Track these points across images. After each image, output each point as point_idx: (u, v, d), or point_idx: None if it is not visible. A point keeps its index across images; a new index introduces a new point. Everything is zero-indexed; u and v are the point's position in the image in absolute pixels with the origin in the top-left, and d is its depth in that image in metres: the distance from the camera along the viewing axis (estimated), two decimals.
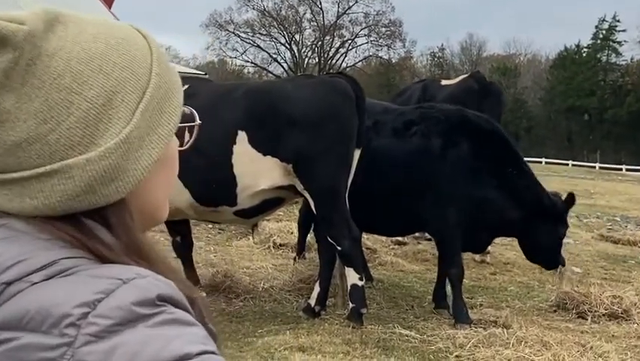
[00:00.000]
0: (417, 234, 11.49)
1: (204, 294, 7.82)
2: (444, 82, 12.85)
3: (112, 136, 1.12)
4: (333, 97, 7.30)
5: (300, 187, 7.20)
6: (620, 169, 58.52)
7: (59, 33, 1.13)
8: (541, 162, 58.95)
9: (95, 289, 1.00)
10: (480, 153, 7.73)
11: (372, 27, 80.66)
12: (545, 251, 8.15)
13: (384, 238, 11.62)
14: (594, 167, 60.53)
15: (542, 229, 7.96)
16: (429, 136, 7.83)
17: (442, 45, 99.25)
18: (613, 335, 7.35)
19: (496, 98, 11.85)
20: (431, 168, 7.72)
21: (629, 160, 73.08)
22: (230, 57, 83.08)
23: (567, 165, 59.10)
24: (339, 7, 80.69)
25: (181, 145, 1.33)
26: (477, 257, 10.74)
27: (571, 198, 8.22)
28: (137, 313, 0.99)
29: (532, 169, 8.23)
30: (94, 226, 1.14)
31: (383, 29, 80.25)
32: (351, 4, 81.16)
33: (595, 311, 8.04)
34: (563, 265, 8.60)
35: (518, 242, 8.37)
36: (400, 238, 11.76)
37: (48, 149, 1.09)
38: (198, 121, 1.35)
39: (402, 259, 10.84)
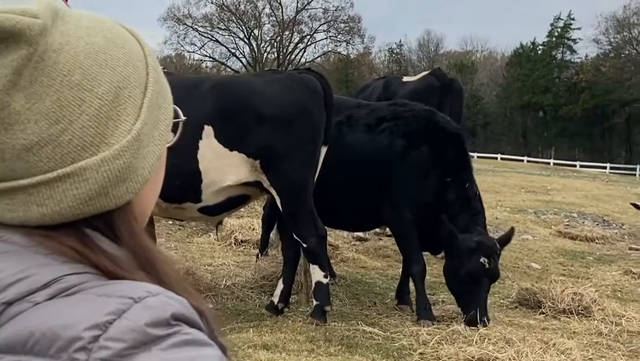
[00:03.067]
0: (378, 230, 11.52)
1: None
2: (405, 78, 12.92)
3: (123, 134, 1.07)
4: (302, 93, 7.27)
5: (266, 184, 7.15)
6: (575, 165, 59.42)
7: (61, 27, 1.06)
8: (496, 158, 59.62)
9: (106, 310, 0.93)
10: (440, 158, 7.76)
11: (331, 23, 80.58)
12: (447, 282, 7.81)
13: (345, 234, 11.63)
14: (549, 163, 61.43)
15: (447, 258, 7.73)
16: (395, 135, 7.85)
17: (400, 41, 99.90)
18: (574, 332, 7.44)
19: (458, 94, 11.93)
20: (393, 167, 7.75)
21: (582, 157, 74.26)
22: (188, 51, 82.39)
23: (522, 161, 59.91)
24: (298, 2, 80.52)
25: None
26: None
27: (505, 239, 7.87)
28: (151, 335, 0.93)
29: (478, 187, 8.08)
30: (96, 237, 1.07)
31: (342, 25, 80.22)
32: None
33: (556, 308, 8.11)
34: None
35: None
36: (361, 234, 11.79)
37: (60, 151, 1.02)
38: (182, 117, 1.28)
39: (363, 255, 10.86)
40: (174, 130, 1.25)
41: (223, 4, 79.22)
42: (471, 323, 7.19)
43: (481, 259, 7.30)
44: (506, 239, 7.85)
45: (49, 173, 1.02)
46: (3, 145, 1.01)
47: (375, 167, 7.77)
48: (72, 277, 1.00)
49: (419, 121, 7.97)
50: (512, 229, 8.10)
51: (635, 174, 55.42)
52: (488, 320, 7.34)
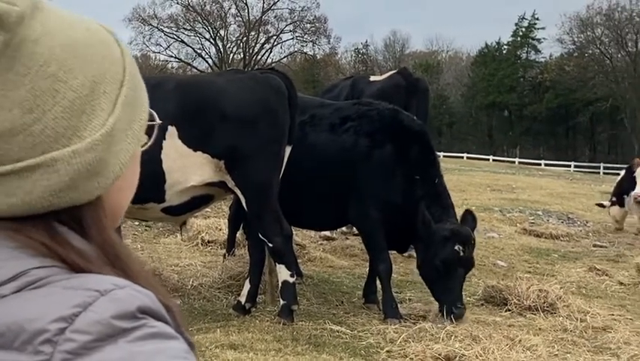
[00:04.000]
0: (344, 229, 11.53)
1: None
2: (372, 78, 12.93)
3: (96, 128, 1.05)
4: (267, 93, 7.24)
5: (231, 184, 7.12)
6: (539, 164, 59.98)
7: (40, 19, 1.04)
8: (462, 158, 59.98)
9: (72, 303, 0.92)
10: (404, 157, 7.78)
11: (298, 23, 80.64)
12: (423, 276, 7.80)
13: (312, 234, 11.63)
14: (514, 162, 61.97)
15: (422, 250, 7.70)
16: (360, 134, 7.86)
17: (366, 42, 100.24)
18: (540, 328, 7.48)
19: (424, 94, 11.96)
20: (358, 166, 7.76)
21: (547, 155, 75.08)
22: (154, 52, 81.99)
23: (488, 160, 60.32)
24: (264, 2, 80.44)
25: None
26: None
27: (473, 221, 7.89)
28: (117, 327, 0.92)
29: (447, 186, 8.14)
30: (65, 231, 1.05)
31: (308, 25, 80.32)
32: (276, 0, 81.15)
33: (522, 305, 8.17)
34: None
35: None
36: (327, 234, 11.79)
37: (31, 140, 1.00)
38: (158, 120, 1.27)
39: (330, 254, 10.86)
40: (149, 133, 1.23)
41: (189, 4, 78.94)
42: (451, 313, 7.25)
43: (456, 247, 7.34)
44: (473, 223, 7.87)
45: (20, 162, 1.00)
46: None
47: (339, 166, 7.77)
48: (39, 270, 0.98)
49: (383, 120, 7.98)
50: (469, 211, 8.11)
51: (598, 172, 55.99)
52: (464, 307, 7.45)
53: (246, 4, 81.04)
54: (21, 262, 0.98)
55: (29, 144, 1.00)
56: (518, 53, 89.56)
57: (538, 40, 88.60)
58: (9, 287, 0.95)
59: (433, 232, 7.38)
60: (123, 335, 0.92)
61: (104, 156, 1.06)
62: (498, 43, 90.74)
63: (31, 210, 1.03)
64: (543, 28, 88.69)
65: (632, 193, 13.94)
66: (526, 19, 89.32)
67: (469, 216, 7.87)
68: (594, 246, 13.86)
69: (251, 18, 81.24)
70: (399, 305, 7.85)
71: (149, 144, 1.23)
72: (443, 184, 7.92)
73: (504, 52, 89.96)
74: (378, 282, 8.14)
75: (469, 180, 24.17)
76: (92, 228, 1.08)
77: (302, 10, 79.94)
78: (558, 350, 6.76)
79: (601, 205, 16.51)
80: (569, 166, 59.87)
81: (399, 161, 7.74)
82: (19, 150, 1.00)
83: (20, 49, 1.01)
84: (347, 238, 11.97)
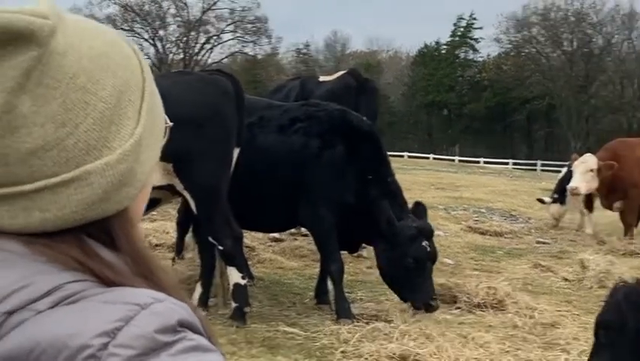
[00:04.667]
0: (293, 230, 11.51)
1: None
2: (322, 78, 12.92)
3: (125, 138, 1.06)
4: (215, 95, 7.19)
5: (179, 187, 7.04)
6: (478, 162, 60.72)
7: (62, 29, 1.03)
8: (403, 156, 60.40)
9: (113, 317, 0.92)
10: (355, 157, 7.79)
11: (238, 23, 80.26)
12: (390, 276, 7.79)
13: (260, 235, 11.57)
14: (454, 160, 62.61)
15: (387, 250, 7.66)
16: (309, 135, 7.85)
17: (307, 42, 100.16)
18: (490, 325, 7.56)
19: (373, 94, 12.03)
20: (308, 167, 7.74)
21: (485, 153, 76.00)
22: None
23: (428, 158, 60.85)
24: (204, 2, 79.82)
25: None
26: None
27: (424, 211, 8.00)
28: (159, 341, 0.93)
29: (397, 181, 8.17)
30: (94, 244, 1.05)
31: (249, 25, 79.98)
32: None
33: (471, 302, 8.26)
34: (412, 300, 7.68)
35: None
36: (276, 235, 11.75)
37: (65, 155, 1.00)
38: (169, 123, 1.28)
39: (280, 256, 10.82)
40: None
41: (127, 4, 77.86)
42: (429, 308, 7.36)
43: (424, 243, 7.43)
44: (424, 213, 7.98)
45: (54, 177, 1.00)
46: (8, 149, 0.98)
47: (289, 167, 7.75)
48: (73, 284, 0.98)
49: (333, 121, 7.99)
50: (418, 202, 8.23)
51: (535, 169, 57.02)
52: (438, 301, 7.57)
53: (185, 4, 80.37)
54: (54, 276, 0.98)
55: (63, 158, 1.00)
56: (457, 52, 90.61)
57: (476, 40, 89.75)
58: (45, 302, 0.95)
59: (399, 230, 7.41)
60: (165, 348, 0.93)
61: (133, 166, 1.07)
62: (437, 43, 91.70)
63: (64, 224, 1.02)
64: (481, 28, 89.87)
65: (568, 187, 14.22)
66: (464, 19, 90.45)
67: (421, 207, 7.98)
68: (537, 243, 14.08)
69: (191, 18, 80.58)
70: (351, 305, 7.87)
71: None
72: (396, 183, 7.98)
73: (443, 52, 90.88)
74: (329, 282, 8.15)
75: (413, 178, 24.32)
76: (121, 239, 1.08)
77: (242, 11, 79.62)
78: (509, 346, 6.84)
79: (541, 201, 16.79)
80: (507, 164, 60.76)
81: (349, 161, 7.75)
82: (53, 165, 1.00)
83: (49, 62, 1.00)
84: (296, 239, 11.95)
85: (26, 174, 1.00)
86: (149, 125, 1.11)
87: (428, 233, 7.64)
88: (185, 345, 0.95)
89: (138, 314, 0.94)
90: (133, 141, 1.06)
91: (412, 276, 7.48)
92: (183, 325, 0.97)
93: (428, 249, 7.50)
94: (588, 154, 14.57)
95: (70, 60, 1.02)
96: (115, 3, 77.38)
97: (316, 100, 9.37)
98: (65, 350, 0.89)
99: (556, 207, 16.20)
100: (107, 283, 1.01)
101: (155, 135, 1.15)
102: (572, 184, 13.94)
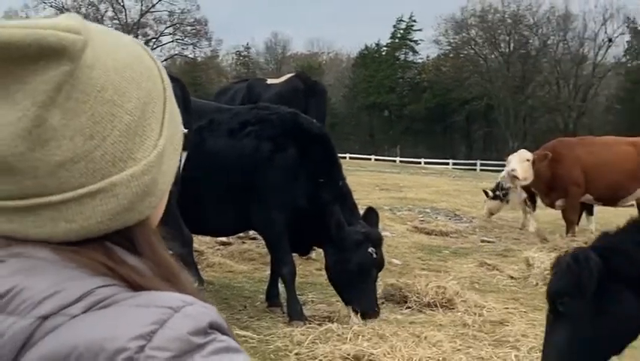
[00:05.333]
0: (241, 233, 11.47)
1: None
2: (269, 81, 12.90)
3: (148, 149, 1.08)
4: None
5: None
6: (419, 162, 61.33)
7: (91, 43, 1.05)
8: (345, 158, 60.65)
9: (147, 320, 0.94)
10: (307, 160, 7.81)
11: (177, 26, 79.81)
12: (335, 279, 7.76)
13: (208, 239, 11.49)
14: (395, 161, 63.09)
15: (334, 254, 7.63)
16: (260, 138, 7.82)
17: (248, 44, 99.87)
18: (440, 324, 7.65)
19: (322, 96, 12.06)
20: (260, 170, 7.72)
21: (426, 154, 76.80)
22: None
23: (370, 159, 61.13)
24: (142, 4, 79.19)
25: None
26: None
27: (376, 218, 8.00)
28: (193, 343, 0.95)
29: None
30: (119, 250, 1.07)
31: (188, 28, 79.63)
32: (154, 2, 79.96)
33: (421, 302, 8.33)
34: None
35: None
36: (224, 239, 11.68)
37: (92, 167, 1.02)
38: (184, 130, 1.28)
39: (229, 259, 10.77)
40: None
41: (63, 7, 76.73)
42: (366, 315, 7.30)
43: (369, 250, 7.41)
44: (376, 219, 8.00)
45: (81, 189, 1.02)
46: (38, 162, 1.00)
47: (240, 171, 7.70)
48: (104, 289, 1.00)
49: (284, 124, 7.97)
50: (371, 208, 8.23)
51: (475, 169, 57.83)
52: (379, 309, 7.53)
53: (123, 6, 79.73)
54: (85, 281, 1.00)
55: (90, 170, 1.02)
56: (397, 54, 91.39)
57: (416, 41, 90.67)
58: (78, 307, 0.96)
59: (346, 235, 7.42)
60: (198, 350, 0.95)
61: (156, 177, 1.09)
62: (377, 44, 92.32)
63: (88, 234, 1.04)
64: (420, 30, 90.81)
65: (506, 170, 14.60)
66: (403, 21, 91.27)
67: (372, 213, 7.99)
68: (482, 241, 14.29)
69: (129, 21, 79.80)
70: (303, 307, 7.88)
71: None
72: (347, 186, 8.00)
73: (383, 53, 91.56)
74: (280, 285, 8.16)
75: (357, 180, 24.36)
76: (143, 246, 1.11)
77: (182, 13, 79.29)
78: (460, 344, 6.93)
79: (486, 193, 17.03)
80: (448, 164, 61.50)
81: (301, 164, 7.74)
82: (80, 176, 1.02)
83: (79, 76, 1.01)
84: (244, 243, 11.91)
85: (54, 186, 1.01)
86: (170, 135, 1.13)
87: (375, 240, 7.60)
88: (216, 346, 0.97)
89: (172, 317, 0.96)
90: (157, 152, 1.09)
91: (355, 281, 7.46)
92: (213, 327, 1.00)
93: (374, 256, 7.48)
94: (523, 149, 14.95)
95: (98, 73, 1.03)
96: (51, 6, 76.36)
97: (266, 103, 9.35)
98: (102, 353, 0.91)
99: (494, 203, 16.62)
100: (135, 287, 1.03)
101: (174, 144, 1.17)
102: (510, 166, 14.24)
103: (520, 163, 14.16)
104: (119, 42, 1.13)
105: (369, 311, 7.35)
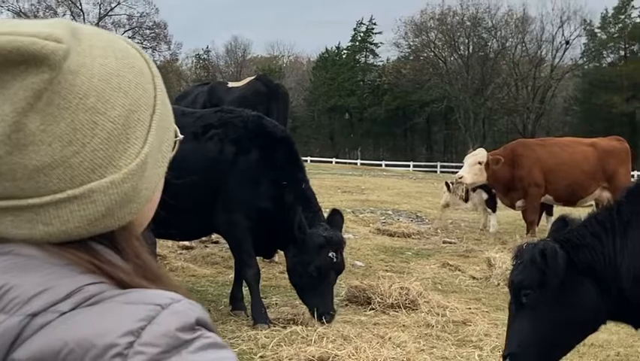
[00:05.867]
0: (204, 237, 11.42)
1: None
2: (231, 84, 12.88)
3: (131, 157, 1.08)
4: None
5: None
6: (380, 165, 61.58)
7: (77, 48, 1.05)
8: (306, 161, 60.66)
9: (136, 317, 0.96)
10: (270, 163, 7.80)
11: (136, 29, 79.19)
12: (294, 281, 7.79)
13: (170, 243, 11.44)
14: (356, 163, 63.28)
15: (295, 256, 7.64)
16: (225, 141, 7.80)
17: (207, 47, 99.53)
18: (404, 325, 7.69)
19: (284, 99, 12.06)
20: (223, 173, 7.70)
21: (387, 156, 77.23)
22: None
23: (331, 162, 61.30)
24: (100, 8, 78.52)
25: None
26: None
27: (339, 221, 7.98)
28: (181, 339, 0.97)
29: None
30: (103, 250, 1.08)
31: (147, 31, 79.10)
32: (113, 5, 79.35)
33: (385, 303, 8.37)
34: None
35: None
36: (186, 243, 11.63)
37: (70, 173, 1.03)
38: (180, 136, 1.29)
39: (192, 263, 10.73)
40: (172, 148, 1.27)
41: (20, 11, 75.81)
42: (322, 317, 7.28)
43: (330, 254, 7.39)
44: (340, 222, 7.97)
45: (59, 194, 1.03)
46: (15, 165, 1.00)
47: (205, 174, 7.66)
48: (92, 286, 1.01)
49: (247, 127, 7.96)
50: (336, 210, 8.22)
51: (436, 171, 58.24)
52: (335, 312, 7.51)
53: (81, 10, 78.95)
54: (74, 279, 1.01)
55: (69, 176, 1.03)
56: (357, 57, 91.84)
57: (376, 44, 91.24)
58: (67, 304, 0.98)
59: (308, 238, 7.41)
60: (185, 346, 0.97)
61: (137, 184, 1.09)
62: (338, 47, 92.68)
63: (67, 237, 1.05)
64: (380, 33, 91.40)
65: (456, 176, 14.84)
66: (364, 24, 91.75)
67: (337, 216, 7.99)
68: (444, 242, 14.39)
69: (87, 25, 79.04)
70: (267, 310, 7.88)
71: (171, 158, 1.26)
72: (310, 189, 8.00)
73: (344, 56, 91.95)
74: (244, 288, 8.14)
75: (320, 182, 24.39)
76: (127, 250, 1.12)
77: (141, 16, 78.72)
78: (424, 344, 6.99)
79: (448, 186, 17.05)
80: (409, 166, 61.85)
81: (264, 167, 7.73)
82: (59, 181, 1.02)
83: (61, 82, 1.02)
84: (206, 247, 11.88)
85: (32, 190, 1.02)
86: (156, 142, 1.13)
87: (336, 243, 7.55)
88: (203, 342, 0.99)
89: (160, 314, 0.97)
90: (139, 160, 1.09)
91: (314, 284, 7.46)
92: (200, 323, 1.01)
93: (334, 260, 7.45)
94: (480, 148, 15.13)
95: (81, 80, 1.04)
96: (8, 9, 75.32)
97: (230, 107, 9.31)
98: (93, 349, 0.92)
99: (454, 198, 16.78)
100: (123, 284, 1.05)
101: (162, 151, 1.17)
102: (459, 173, 14.51)
103: (470, 167, 14.43)
104: (112, 47, 1.12)
105: (325, 314, 7.33)
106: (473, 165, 14.53)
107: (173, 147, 1.26)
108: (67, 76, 1.02)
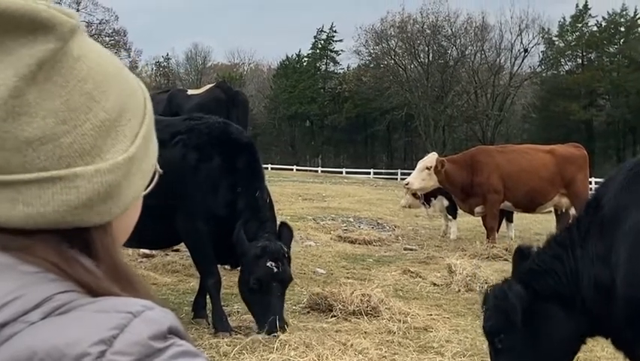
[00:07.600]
0: None
1: None
2: (190, 91, 12.85)
3: (119, 152, 1.09)
4: None
5: None
6: (341, 172, 61.69)
7: (80, 41, 1.09)
8: (267, 168, 60.57)
9: (108, 325, 0.95)
10: (231, 169, 7.76)
11: (96, 36, 78.33)
12: (241, 294, 7.67)
13: (131, 251, 11.32)
14: (317, 171, 63.34)
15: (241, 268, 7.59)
16: (188, 147, 7.76)
17: (168, 55, 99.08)
18: (365, 332, 7.68)
19: (244, 106, 12.06)
20: (186, 180, 7.65)
21: (347, 163, 77.45)
22: None
23: (292, 170, 61.26)
24: None
25: None
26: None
27: (288, 235, 7.83)
28: (153, 347, 0.96)
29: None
30: (74, 253, 1.07)
31: (107, 39, 78.22)
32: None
33: (346, 310, 8.37)
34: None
35: None
36: (146, 251, 11.52)
37: (59, 152, 1.03)
38: (160, 170, 1.30)
39: (152, 271, 10.63)
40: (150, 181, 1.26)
41: None
42: (270, 331, 7.13)
43: (268, 264, 7.26)
44: (289, 235, 7.84)
45: (44, 172, 1.02)
46: (7, 134, 1.01)
47: (169, 181, 7.56)
48: (63, 295, 1.00)
49: (212, 133, 7.92)
50: (283, 223, 8.04)
51: (396, 178, 58.44)
52: (287, 324, 7.41)
53: None
54: (43, 287, 1.00)
55: (57, 155, 1.03)
56: (318, 64, 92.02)
57: (337, 52, 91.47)
58: (36, 313, 0.96)
59: (246, 250, 7.31)
60: (157, 354, 0.96)
61: (121, 181, 1.10)
62: (298, 55, 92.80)
63: (45, 223, 1.04)
64: (341, 41, 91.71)
65: (404, 182, 15.14)
66: (324, 31, 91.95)
67: (284, 229, 7.82)
68: (405, 249, 14.48)
69: None
70: (228, 318, 7.84)
71: (149, 190, 1.25)
72: (264, 197, 7.85)
73: (304, 64, 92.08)
74: (207, 297, 8.09)
75: (281, 190, 24.46)
76: (99, 250, 1.10)
77: (100, 23, 78.00)
78: (386, 351, 6.99)
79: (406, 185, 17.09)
80: (369, 173, 62.09)
81: (225, 173, 7.69)
82: (46, 159, 1.02)
83: (62, 61, 1.04)
84: (167, 255, 11.78)
85: (18, 164, 1.02)
86: (142, 151, 1.14)
87: (275, 253, 7.36)
88: (175, 350, 0.98)
89: (132, 322, 0.96)
90: (126, 156, 1.10)
91: (258, 298, 7.34)
92: (172, 331, 1.01)
93: (274, 270, 7.31)
94: (432, 152, 15.32)
95: (81, 65, 1.07)
96: None
97: (200, 114, 9.22)
98: (64, 359, 0.91)
99: (415, 201, 16.93)
100: (90, 290, 1.04)
101: (145, 166, 1.17)
102: (407, 179, 14.75)
103: (418, 173, 14.65)
104: (110, 57, 1.17)
105: (272, 329, 7.14)
106: (421, 171, 14.70)
107: (151, 180, 1.24)
108: (69, 58, 1.05)
